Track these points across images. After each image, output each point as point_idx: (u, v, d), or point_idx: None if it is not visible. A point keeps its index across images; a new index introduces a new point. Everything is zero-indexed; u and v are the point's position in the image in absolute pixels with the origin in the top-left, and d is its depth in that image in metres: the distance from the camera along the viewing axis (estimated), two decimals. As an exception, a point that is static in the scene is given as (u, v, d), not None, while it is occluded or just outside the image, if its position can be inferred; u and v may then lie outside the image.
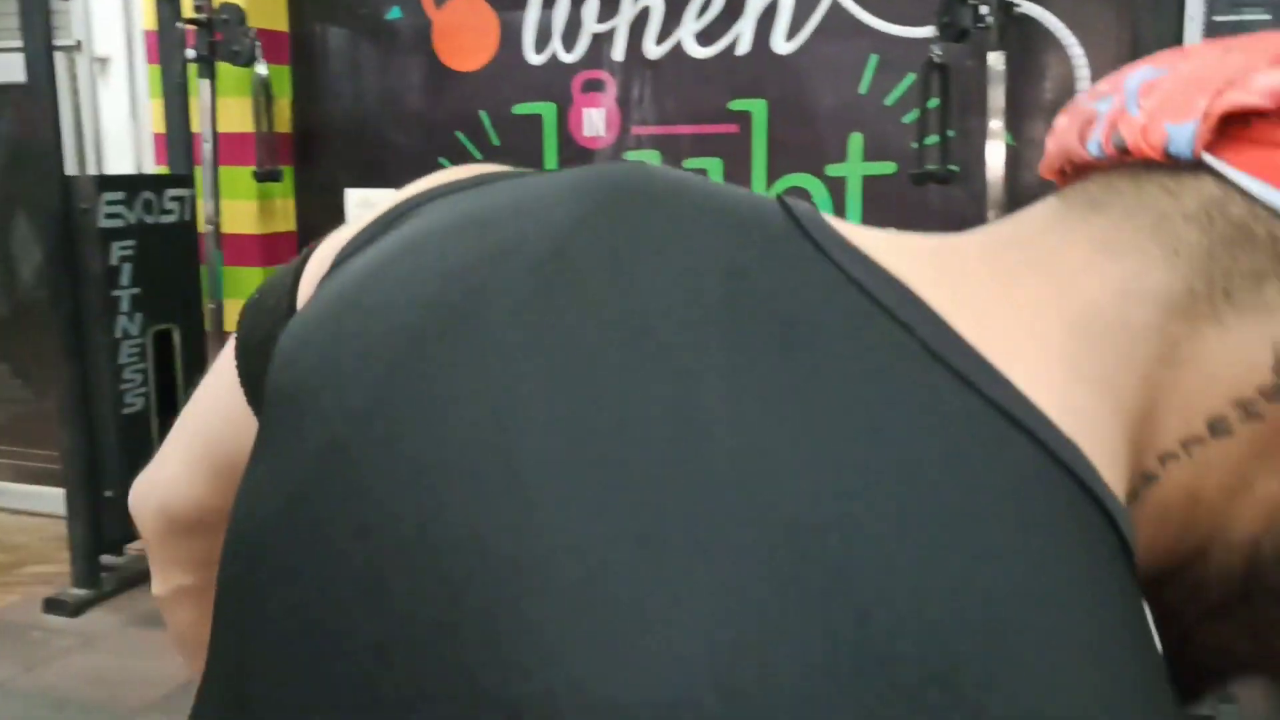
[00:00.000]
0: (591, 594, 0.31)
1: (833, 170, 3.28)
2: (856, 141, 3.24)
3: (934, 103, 2.82)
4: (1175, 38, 2.22)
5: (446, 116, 3.67)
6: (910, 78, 3.04)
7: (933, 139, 2.83)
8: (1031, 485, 0.32)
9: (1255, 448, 0.36)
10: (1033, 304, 0.38)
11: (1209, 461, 0.36)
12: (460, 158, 3.67)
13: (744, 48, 3.32)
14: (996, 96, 2.64)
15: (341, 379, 0.40)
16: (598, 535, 0.31)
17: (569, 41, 3.49)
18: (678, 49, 3.38)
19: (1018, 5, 2.59)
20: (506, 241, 0.40)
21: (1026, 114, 3.05)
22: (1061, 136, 0.45)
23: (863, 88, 3.22)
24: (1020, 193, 3.09)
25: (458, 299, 0.39)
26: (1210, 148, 0.38)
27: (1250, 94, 0.37)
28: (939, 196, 3.07)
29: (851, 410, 0.33)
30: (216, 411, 0.57)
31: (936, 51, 2.71)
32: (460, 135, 3.65)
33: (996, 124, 2.65)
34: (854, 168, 3.26)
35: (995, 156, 2.67)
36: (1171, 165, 0.39)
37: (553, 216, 0.41)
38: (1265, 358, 0.36)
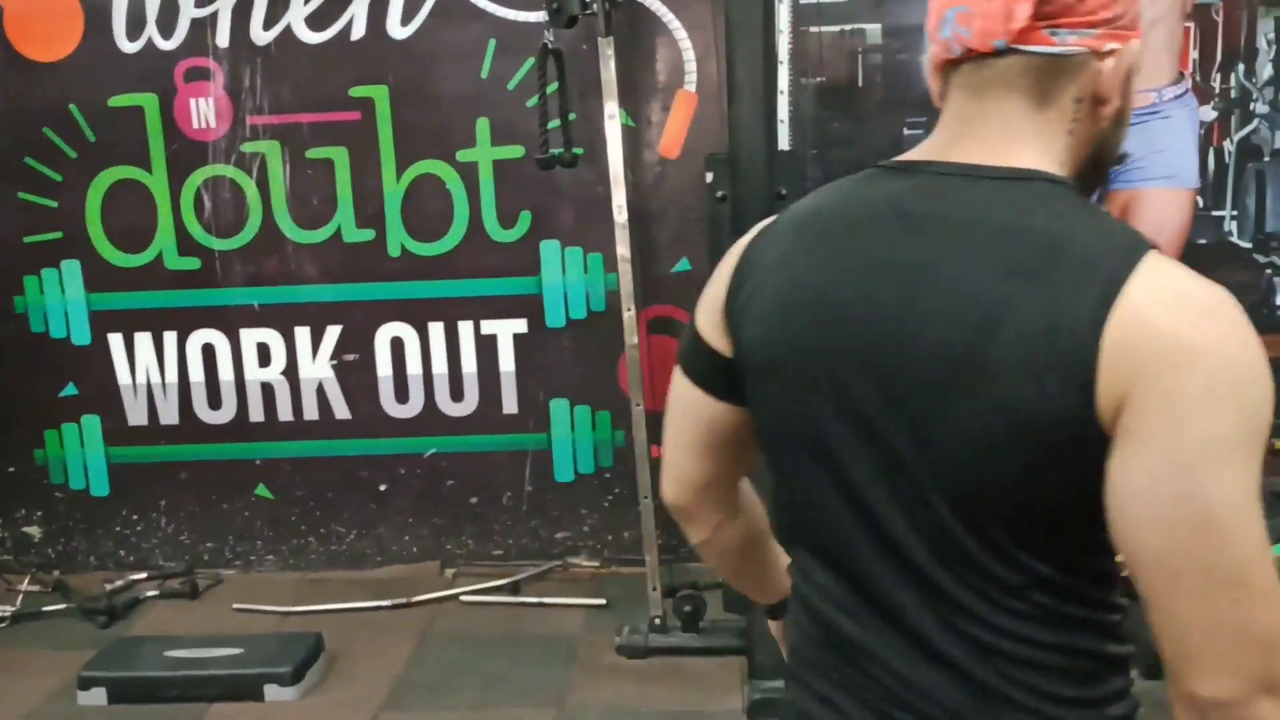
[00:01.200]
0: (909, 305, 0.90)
1: (464, 155, 3.27)
2: (484, 126, 3.25)
3: (553, 87, 2.88)
4: (765, 19, 2.38)
5: (31, 111, 3.30)
6: (530, 62, 3.08)
7: (555, 123, 2.88)
8: (1041, 188, 0.90)
9: (1088, 121, 0.92)
10: (988, 140, 0.92)
11: (1080, 137, 0.93)
12: (51, 156, 3.32)
13: (359, 32, 3.22)
14: (610, 80, 2.73)
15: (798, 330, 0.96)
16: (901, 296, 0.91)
17: (166, 28, 3.23)
18: (288, 34, 3.23)
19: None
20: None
21: (641, 96, 3.19)
22: (934, 56, 0.94)
23: (484, 72, 3.23)
24: (641, 170, 3.23)
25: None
26: (1013, 41, 0.88)
27: (1018, 20, 0.87)
28: (568, 177, 3.14)
29: (973, 202, 0.91)
30: (689, 415, 1.09)
31: (549, 37, 2.76)
32: (49, 131, 3.30)
33: (612, 106, 2.74)
34: (484, 152, 3.27)
35: (614, 137, 2.77)
36: (996, 53, 0.89)
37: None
38: (1070, 103, 0.91)
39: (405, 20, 3.21)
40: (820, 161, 3.07)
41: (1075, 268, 0.84)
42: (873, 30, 3.15)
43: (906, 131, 3.14)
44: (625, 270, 2.87)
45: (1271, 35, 3.11)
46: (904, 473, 0.91)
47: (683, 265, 3.26)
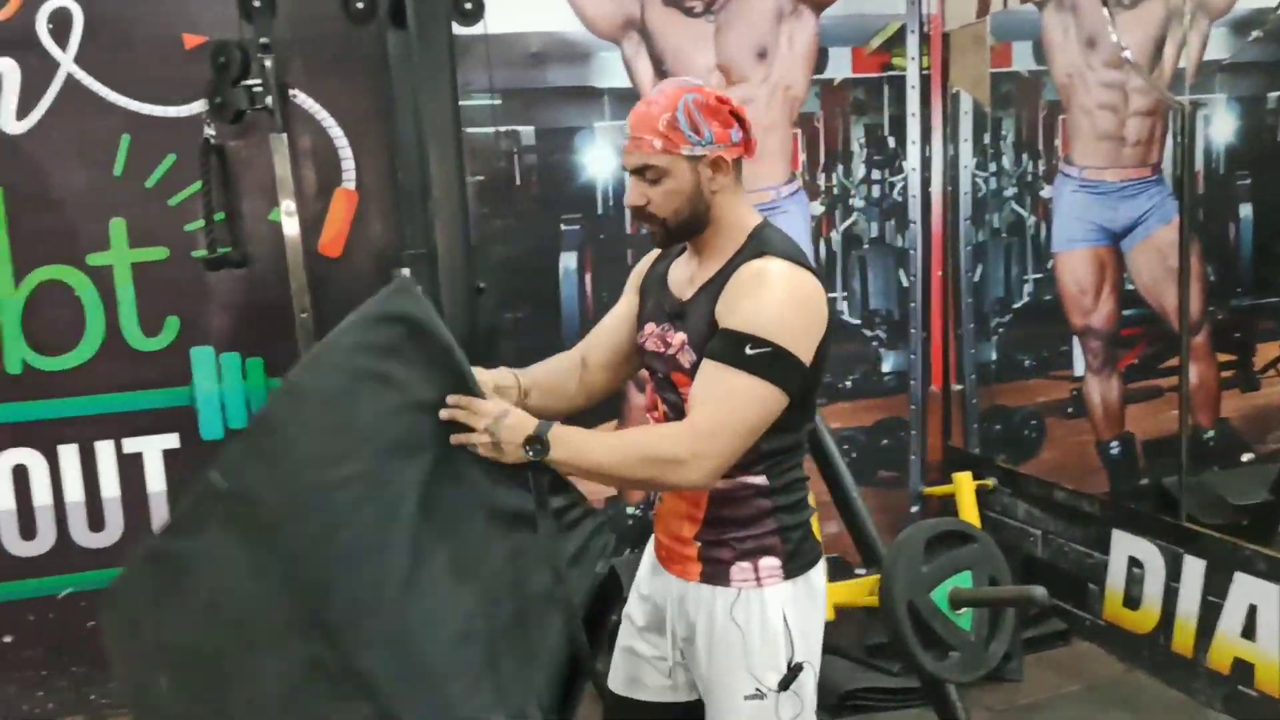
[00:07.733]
0: None
1: (96, 259, 2.98)
2: (119, 227, 2.98)
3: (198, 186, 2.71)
4: (455, 119, 2.43)
5: None
6: (171, 158, 2.90)
7: (220, 216, 2.72)
8: None
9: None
10: None
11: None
12: None
13: (-35, 128, 2.87)
14: (285, 176, 2.63)
15: None
16: None
17: None
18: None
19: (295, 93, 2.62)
20: None
21: (303, 192, 3.09)
22: None
23: (117, 170, 2.98)
24: (314, 269, 3.10)
25: None
26: None
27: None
28: (215, 279, 2.94)
29: None
30: None
31: (211, 132, 2.62)
32: None
33: (290, 203, 2.65)
34: (120, 255, 2.99)
35: (291, 234, 2.66)
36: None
37: None
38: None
39: (21, 114, 2.90)
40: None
41: None
42: (526, 132, 3.29)
43: (564, 228, 3.29)
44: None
45: (863, 139, 3.63)
46: None
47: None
